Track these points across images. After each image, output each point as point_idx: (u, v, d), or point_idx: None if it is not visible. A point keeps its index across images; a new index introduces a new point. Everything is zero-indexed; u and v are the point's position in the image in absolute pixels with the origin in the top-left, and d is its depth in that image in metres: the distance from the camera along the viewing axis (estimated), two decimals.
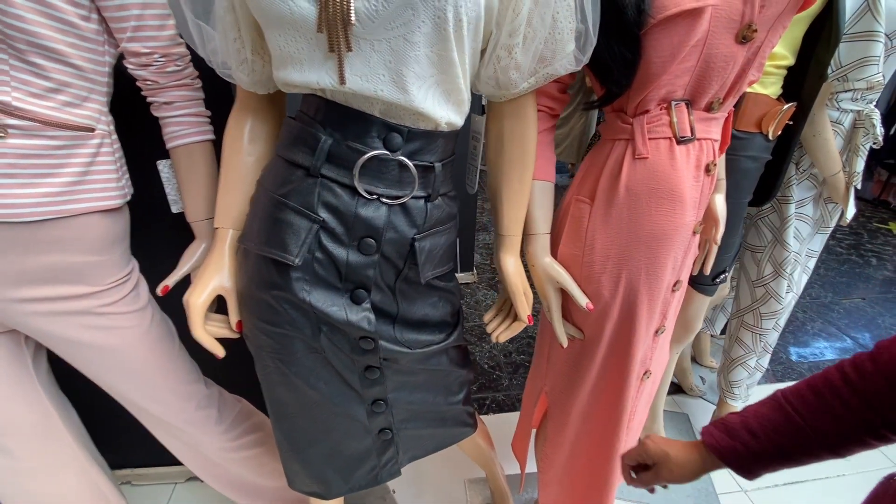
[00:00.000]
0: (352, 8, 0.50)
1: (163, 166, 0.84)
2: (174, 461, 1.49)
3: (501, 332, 0.83)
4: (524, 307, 0.78)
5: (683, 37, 0.64)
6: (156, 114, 0.76)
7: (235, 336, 0.76)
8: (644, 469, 0.64)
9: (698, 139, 0.72)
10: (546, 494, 1.08)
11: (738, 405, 1.57)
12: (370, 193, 0.62)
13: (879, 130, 1.14)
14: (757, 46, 0.68)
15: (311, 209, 0.62)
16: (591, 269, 0.78)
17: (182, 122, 0.76)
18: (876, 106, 1.17)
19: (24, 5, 0.58)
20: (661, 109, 0.71)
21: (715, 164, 0.75)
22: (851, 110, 1.16)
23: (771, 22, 0.66)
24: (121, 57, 0.72)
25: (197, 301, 0.70)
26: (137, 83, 0.74)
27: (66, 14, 0.62)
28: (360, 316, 0.67)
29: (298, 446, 0.81)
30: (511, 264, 0.78)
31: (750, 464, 0.54)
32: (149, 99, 0.75)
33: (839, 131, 1.18)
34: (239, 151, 0.72)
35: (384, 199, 0.63)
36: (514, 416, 1.74)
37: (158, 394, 0.88)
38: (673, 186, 0.72)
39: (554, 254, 0.81)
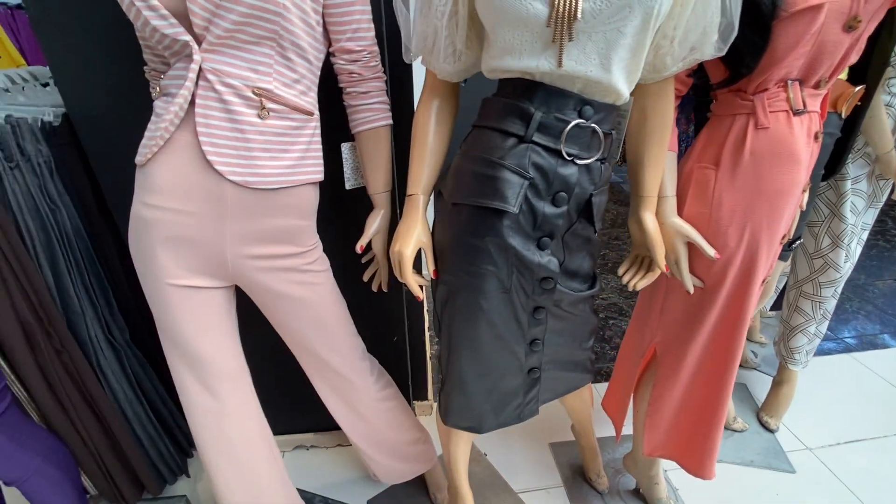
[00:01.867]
0: (579, 7, 0.65)
1: (345, 148, 0.99)
2: (281, 431, 1.63)
3: (639, 281, 0.97)
4: (662, 257, 0.93)
5: (805, 27, 0.79)
6: (351, 102, 0.91)
7: (426, 283, 0.90)
8: None
9: (808, 111, 0.87)
10: (652, 437, 1.21)
11: (799, 369, 1.70)
12: (569, 155, 0.76)
13: None
14: (859, 34, 0.83)
15: (524, 169, 0.76)
16: (719, 224, 0.92)
17: (373, 108, 0.91)
18: None
19: (294, 12, 0.74)
20: (778, 87, 0.86)
21: (821, 133, 0.90)
22: None
23: (872, 13, 0.81)
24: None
25: (407, 251, 0.85)
26: (342, 76, 0.89)
27: (311, 19, 0.78)
28: (547, 259, 0.82)
29: (466, 380, 0.95)
30: (650, 220, 0.92)
31: None
32: (348, 89, 0.90)
33: (891, 113, 1.33)
34: (428, 132, 0.87)
35: (577, 161, 0.77)
36: None
37: (337, 343, 1.02)
38: (791, 150, 0.86)
39: (679, 214, 0.96)
